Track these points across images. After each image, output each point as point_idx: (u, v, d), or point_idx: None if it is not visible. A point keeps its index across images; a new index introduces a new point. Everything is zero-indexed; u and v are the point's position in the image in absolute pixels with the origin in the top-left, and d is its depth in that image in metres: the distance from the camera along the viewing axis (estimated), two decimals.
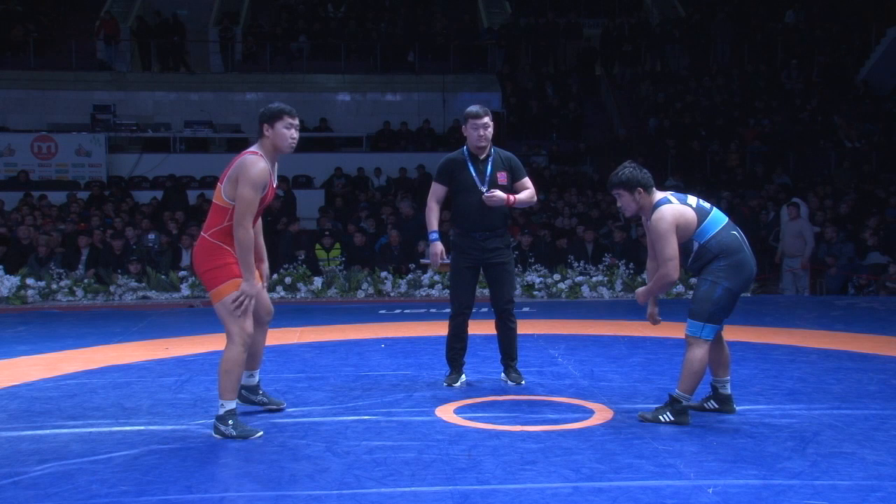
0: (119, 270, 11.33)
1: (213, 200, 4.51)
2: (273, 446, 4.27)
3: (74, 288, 11.08)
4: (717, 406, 4.85)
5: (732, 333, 7.62)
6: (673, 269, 4.51)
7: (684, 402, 4.58)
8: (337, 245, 12.27)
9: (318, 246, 12.19)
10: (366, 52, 20.65)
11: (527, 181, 5.67)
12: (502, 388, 5.53)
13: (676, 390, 4.59)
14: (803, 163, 16.77)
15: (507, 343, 5.76)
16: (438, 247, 5.68)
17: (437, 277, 11.21)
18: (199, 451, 4.16)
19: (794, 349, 6.84)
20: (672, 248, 4.50)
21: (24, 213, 13.88)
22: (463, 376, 5.73)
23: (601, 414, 4.81)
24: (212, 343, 7.48)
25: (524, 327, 8.31)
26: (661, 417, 4.58)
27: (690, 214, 4.56)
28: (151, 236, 12.51)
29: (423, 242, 12.24)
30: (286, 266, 11.39)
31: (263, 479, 3.76)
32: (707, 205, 4.70)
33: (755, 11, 21.75)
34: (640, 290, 4.84)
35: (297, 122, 4.56)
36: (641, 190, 4.61)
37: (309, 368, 6.31)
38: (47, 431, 4.57)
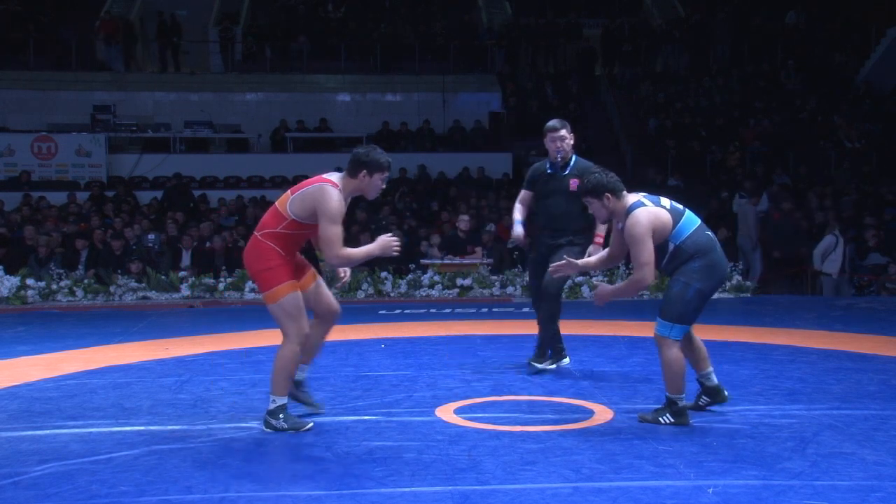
0: (119, 271, 11.33)
1: (276, 203, 4.61)
2: (273, 446, 4.27)
3: (74, 288, 11.08)
4: (709, 400, 4.85)
5: (733, 334, 7.65)
6: (649, 273, 4.48)
7: (680, 403, 4.58)
8: None
9: None
10: (366, 52, 20.65)
11: None
12: (502, 388, 5.53)
13: (667, 393, 4.60)
14: (803, 163, 16.76)
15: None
16: (517, 230, 6.14)
17: (437, 277, 11.21)
18: (199, 452, 4.16)
19: (794, 349, 6.84)
20: (648, 252, 4.47)
21: (24, 213, 13.89)
22: (566, 360, 6.15)
23: (601, 414, 4.82)
24: (212, 343, 7.49)
25: (524, 327, 8.31)
26: (660, 419, 4.58)
27: (665, 216, 4.54)
28: (151, 236, 12.51)
29: (426, 243, 12.24)
30: None
31: (263, 479, 3.76)
32: (680, 206, 4.69)
33: (755, 11, 21.75)
34: (606, 289, 4.70)
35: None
36: (609, 195, 4.57)
37: (309, 368, 6.29)
38: (47, 431, 4.57)
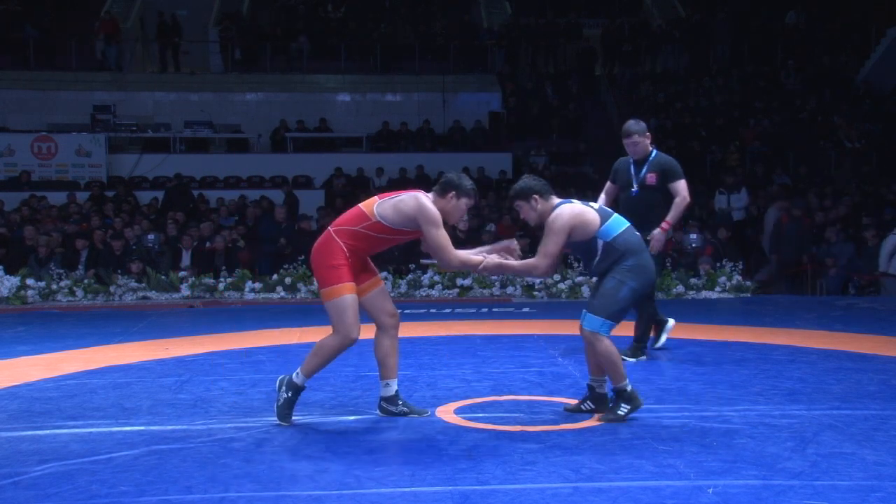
0: (119, 271, 11.33)
1: (360, 205, 4.66)
2: (273, 446, 4.27)
3: (74, 288, 11.08)
4: (593, 407, 4.82)
5: (733, 334, 7.64)
6: (546, 266, 4.57)
7: (628, 388, 4.61)
8: None
9: None
10: (366, 52, 20.66)
11: (677, 185, 6.35)
12: (502, 388, 5.53)
13: (613, 385, 4.64)
14: (803, 163, 16.76)
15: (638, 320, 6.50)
16: None
17: (437, 277, 11.21)
18: (199, 452, 4.16)
19: (794, 349, 6.84)
20: (556, 246, 4.54)
21: (24, 213, 13.88)
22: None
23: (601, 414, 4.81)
24: (212, 343, 7.49)
25: (524, 327, 8.32)
26: (619, 412, 4.60)
27: (591, 214, 4.60)
28: (151, 237, 12.51)
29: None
30: (286, 266, 11.40)
31: (263, 479, 3.76)
32: (609, 210, 4.78)
33: (755, 11, 21.75)
34: (494, 261, 4.63)
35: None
36: (537, 197, 4.62)
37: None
38: (47, 431, 4.57)
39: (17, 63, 19.63)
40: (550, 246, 4.54)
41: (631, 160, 6.52)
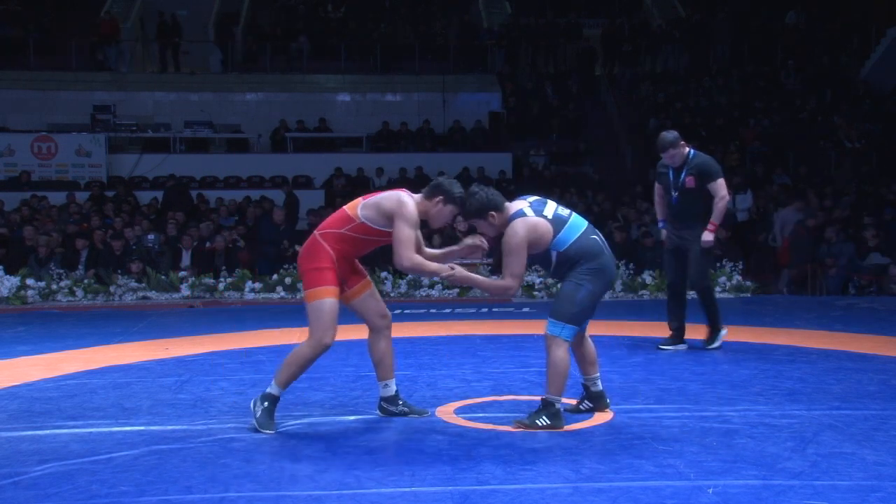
0: (119, 271, 11.33)
1: (345, 207, 4.65)
2: (273, 446, 4.27)
3: (74, 288, 11.08)
4: (591, 406, 4.81)
5: (733, 334, 7.63)
6: (516, 284, 4.51)
7: (557, 405, 4.53)
8: None
9: None
10: (366, 52, 20.66)
11: (715, 185, 6.58)
12: (502, 388, 5.53)
13: (547, 393, 4.54)
14: (803, 163, 16.75)
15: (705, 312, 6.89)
16: (663, 233, 7.04)
17: (436, 278, 11.20)
18: (199, 452, 4.16)
19: (794, 349, 6.84)
20: (520, 265, 4.49)
21: (24, 213, 13.87)
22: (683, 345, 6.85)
23: (601, 414, 4.81)
24: (212, 343, 7.49)
25: (524, 327, 8.32)
26: (538, 422, 4.50)
27: (545, 227, 4.51)
28: (151, 237, 12.51)
29: (426, 243, 12.22)
30: (286, 266, 11.40)
31: (263, 479, 3.76)
32: (566, 212, 4.65)
33: (755, 11, 21.75)
34: (462, 274, 4.56)
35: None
36: (494, 213, 4.55)
37: (309, 368, 6.29)
38: (47, 431, 4.57)
39: (17, 63, 19.62)
40: (516, 266, 4.47)
41: (669, 165, 6.70)
